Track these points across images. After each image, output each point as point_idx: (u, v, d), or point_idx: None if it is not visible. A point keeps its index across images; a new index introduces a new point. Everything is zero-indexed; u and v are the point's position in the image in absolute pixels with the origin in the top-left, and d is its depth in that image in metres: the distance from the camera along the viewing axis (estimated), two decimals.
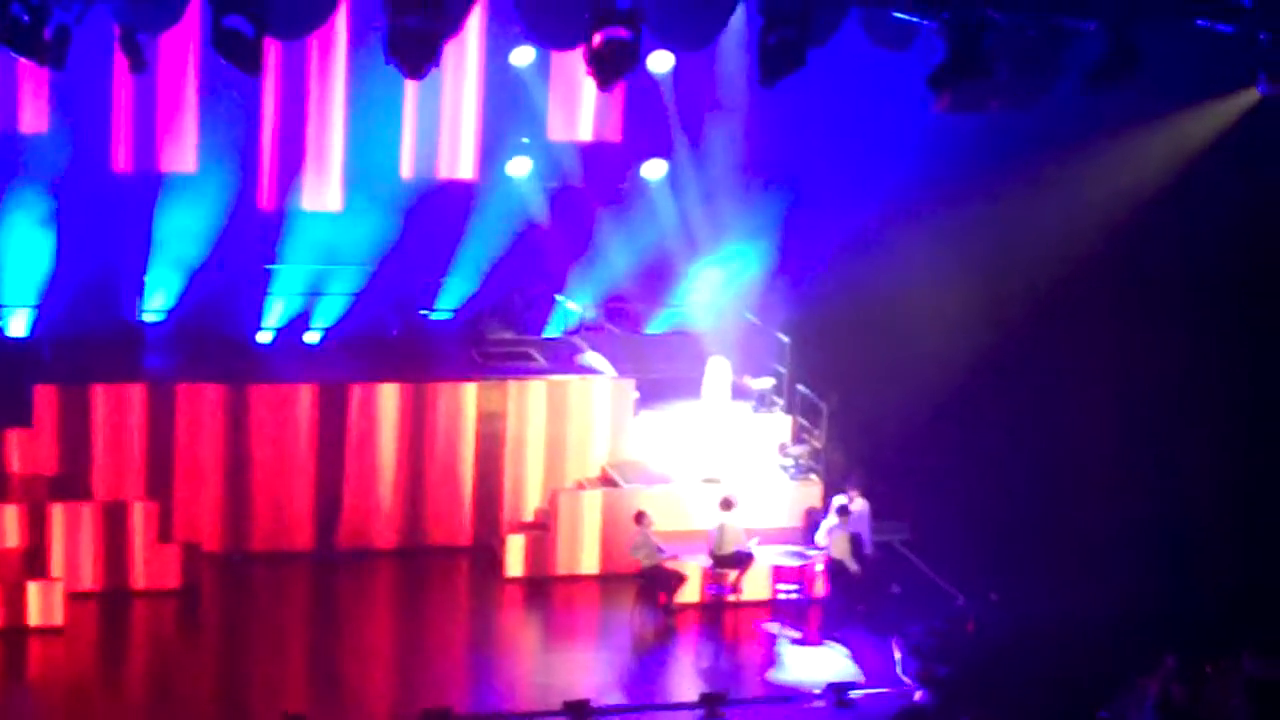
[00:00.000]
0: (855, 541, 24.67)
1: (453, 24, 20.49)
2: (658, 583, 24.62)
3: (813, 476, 26.80)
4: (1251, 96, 21.71)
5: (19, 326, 27.31)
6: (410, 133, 28.46)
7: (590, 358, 27.73)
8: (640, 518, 24.59)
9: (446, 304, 29.28)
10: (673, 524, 25.42)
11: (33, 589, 23.46)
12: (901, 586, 25.25)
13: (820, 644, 24.21)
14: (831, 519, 24.81)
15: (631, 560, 24.83)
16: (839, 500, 25.04)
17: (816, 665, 23.59)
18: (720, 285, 29.21)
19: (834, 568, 24.62)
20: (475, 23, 27.17)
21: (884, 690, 22.76)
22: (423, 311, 29.09)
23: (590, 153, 29.60)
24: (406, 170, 28.62)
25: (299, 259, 28.43)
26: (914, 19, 21.26)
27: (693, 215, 29.52)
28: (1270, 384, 23.20)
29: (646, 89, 28.59)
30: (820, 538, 24.96)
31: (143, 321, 27.61)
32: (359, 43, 26.95)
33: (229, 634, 24.40)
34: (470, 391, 26.42)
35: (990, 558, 24.63)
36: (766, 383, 27.82)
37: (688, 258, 29.47)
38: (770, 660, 23.97)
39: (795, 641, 24.35)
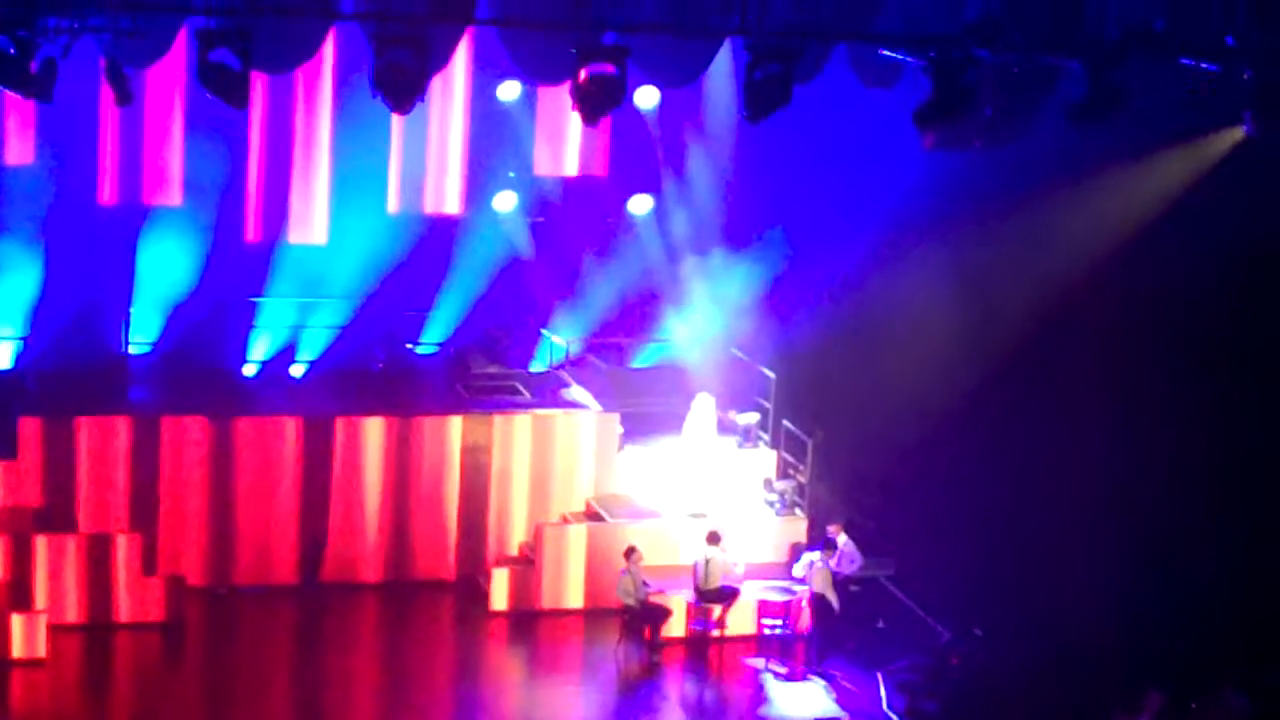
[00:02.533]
0: (835, 577, 24.67)
1: (439, 59, 20.57)
2: (643, 617, 24.59)
3: (798, 512, 26.80)
4: (1236, 135, 21.78)
5: (4, 358, 27.27)
6: (396, 167, 28.51)
7: (575, 392, 27.74)
8: (630, 553, 24.57)
9: (432, 338, 29.29)
10: (658, 559, 25.39)
11: (16, 621, 23.41)
12: (886, 621, 25.25)
13: (806, 679, 24.18)
14: (813, 553, 24.80)
15: (617, 597, 24.81)
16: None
17: (802, 700, 23.59)
18: (705, 320, 29.22)
19: (816, 602, 24.60)
20: (461, 57, 27.26)
21: None
22: (408, 345, 29.09)
23: (576, 187, 29.67)
24: (392, 204, 28.66)
25: (284, 292, 28.44)
26: (900, 57, 21.35)
27: (678, 250, 29.58)
28: (1258, 418, 23.23)
29: (632, 124, 28.69)
30: (798, 570, 24.92)
31: (128, 354, 27.55)
32: (345, 77, 27.01)
33: (213, 668, 24.36)
34: (455, 425, 26.41)
35: (975, 593, 24.61)
36: (752, 418, 27.83)
37: (673, 293, 29.51)
38: (756, 696, 23.96)
39: (781, 677, 24.33)
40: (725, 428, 27.52)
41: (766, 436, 27.77)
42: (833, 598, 24.40)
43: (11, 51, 18.63)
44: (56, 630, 23.82)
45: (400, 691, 23.55)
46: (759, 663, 24.66)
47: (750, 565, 25.41)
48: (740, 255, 29.15)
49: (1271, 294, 22.97)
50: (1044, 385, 25.59)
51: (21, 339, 27.25)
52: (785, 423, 27.53)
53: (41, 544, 24.27)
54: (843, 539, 25.04)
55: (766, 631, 24.96)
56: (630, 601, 24.47)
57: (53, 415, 25.18)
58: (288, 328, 28.45)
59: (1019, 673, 22.81)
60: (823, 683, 23.99)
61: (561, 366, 29.05)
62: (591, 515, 26.50)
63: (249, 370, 28.18)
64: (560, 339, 29.45)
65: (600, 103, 19.85)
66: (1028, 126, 21.40)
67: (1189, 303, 23.46)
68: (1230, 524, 23.30)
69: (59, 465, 25.08)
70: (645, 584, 24.61)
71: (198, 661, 24.54)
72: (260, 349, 28.31)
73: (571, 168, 29.42)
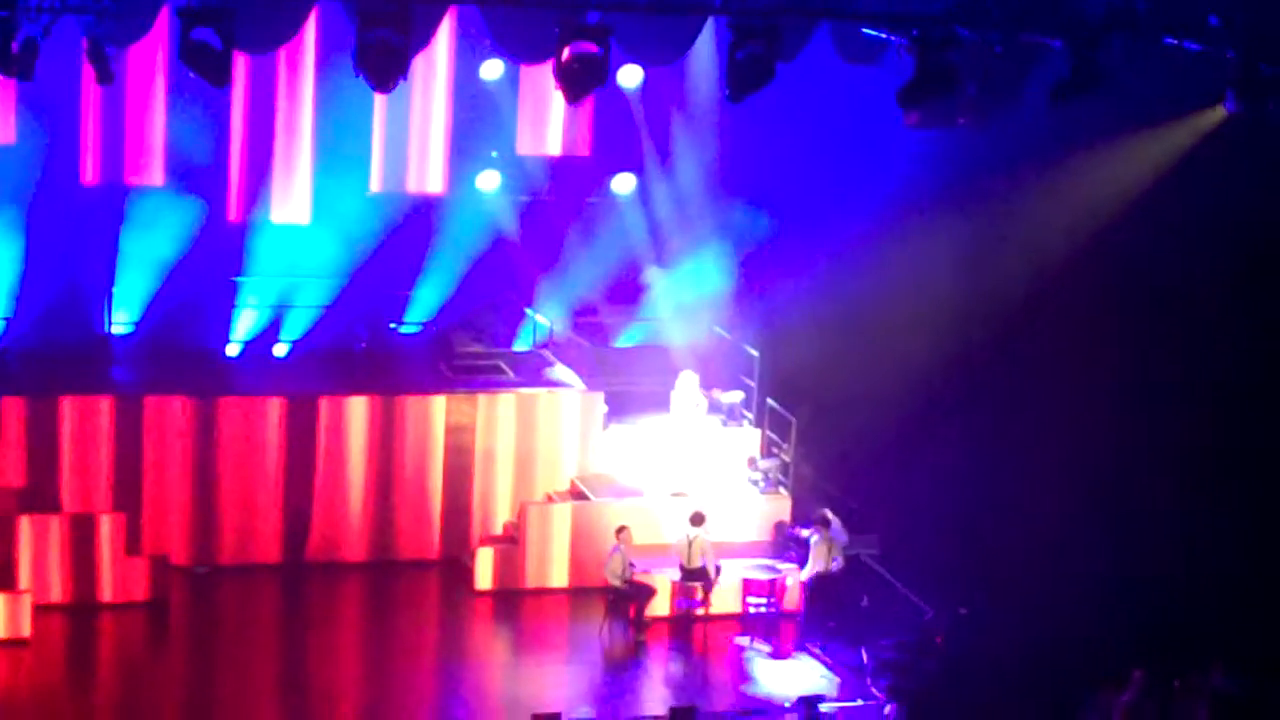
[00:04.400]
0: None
1: (422, 37, 20.49)
2: (627, 596, 24.61)
3: (782, 490, 26.83)
4: (1219, 114, 21.81)
5: None
6: (379, 146, 28.43)
7: (559, 371, 27.73)
8: (621, 531, 24.56)
9: (415, 317, 29.25)
10: (642, 538, 25.38)
11: (0, 601, 23.36)
12: (870, 600, 25.24)
13: (790, 657, 24.21)
14: (804, 530, 24.80)
15: (602, 575, 24.82)
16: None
17: (787, 679, 23.62)
18: (689, 298, 29.23)
19: (817, 580, 24.57)
20: (444, 36, 27.18)
21: (854, 703, 22.78)
22: (391, 324, 29.06)
23: (559, 166, 29.62)
24: (375, 183, 28.59)
25: (267, 271, 28.39)
26: (882, 35, 21.32)
27: (662, 229, 29.57)
28: (1238, 399, 23.27)
29: (615, 103, 28.65)
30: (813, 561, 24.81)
31: (110, 334, 27.55)
32: (328, 56, 26.91)
33: (197, 647, 24.36)
34: (439, 404, 26.41)
35: (959, 571, 24.66)
36: (736, 396, 27.84)
37: (657, 271, 29.50)
38: (740, 674, 23.99)
39: (765, 655, 24.35)
40: (709, 406, 27.52)
41: (750, 415, 27.79)
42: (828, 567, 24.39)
43: None
44: (41, 610, 23.82)
45: (385, 671, 23.56)
46: (744, 641, 24.70)
47: (733, 545, 25.45)
48: (723, 233, 29.16)
49: (1255, 272, 23.00)
50: (1030, 363, 25.61)
51: (4, 319, 27.18)
52: (769, 401, 27.55)
53: (25, 524, 24.25)
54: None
55: (751, 610, 24.99)
56: (617, 582, 24.48)
57: (36, 395, 25.16)
58: (270, 307, 28.41)
59: (1003, 651, 22.84)
60: (807, 660, 24.01)
61: (545, 345, 29.04)
62: (576, 494, 26.51)
63: (232, 350, 28.15)
64: (544, 318, 29.44)
65: (583, 82, 19.78)
66: (1010, 105, 21.41)
67: (1173, 282, 23.49)
68: (1216, 504, 23.34)
69: (42, 445, 25.05)
70: (631, 563, 24.63)
71: (182, 641, 24.54)
72: (243, 328, 28.27)
73: (555, 147, 29.35)
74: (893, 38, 21.01)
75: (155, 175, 27.54)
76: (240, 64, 25.83)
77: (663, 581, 24.98)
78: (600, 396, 27.10)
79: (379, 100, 27.23)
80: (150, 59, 26.68)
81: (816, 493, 26.52)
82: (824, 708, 22.34)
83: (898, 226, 26.85)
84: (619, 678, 24.06)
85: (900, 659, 23.09)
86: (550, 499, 26.48)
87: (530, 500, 26.28)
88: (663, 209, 29.61)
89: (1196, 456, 23.44)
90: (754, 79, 19.96)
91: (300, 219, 28.27)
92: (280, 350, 28.35)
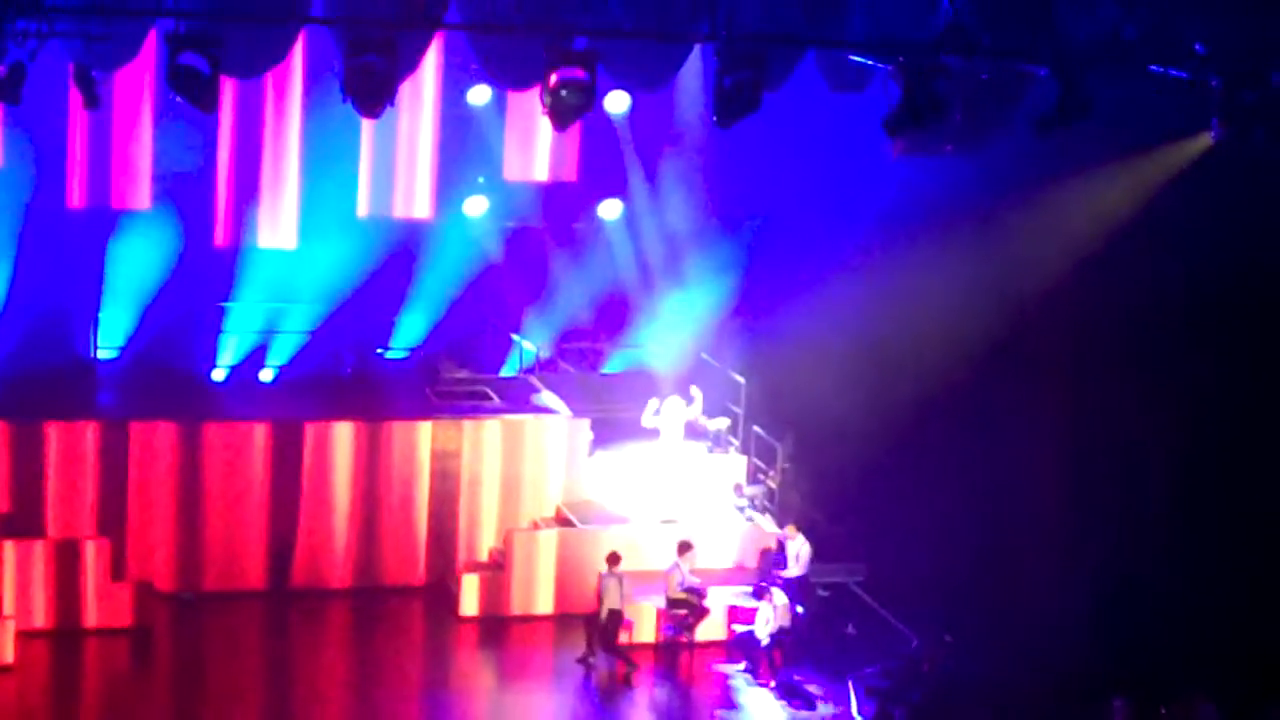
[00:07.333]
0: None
1: (409, 63, 20.53)
2: (611, 623, 24.47)
3: (768, 517, 26.79)
4: (1204, 141, 21.87)
5: None
6: (366, 171, 28.50)
7: (546, 397, 27.71)
8: (686, 550, 24.55)
9: (402, 343, 29.27)
10: (627, 565, 25.26)
11: None
12: (856, 627, 25.25)
13: (775, 684, 24.15)
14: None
15: (586, 600, 24.75)
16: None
17: (772, 706, 23.57)
18: (676, 325, 29.23)
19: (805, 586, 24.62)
20: (431, 62, 27.24)
21: None
22: (378, 350, 29.05)
23: (547, 192, 29.69)
24: (362, 209, 28.64)
25: (254, 297, 28.38)
26: (869, 63, 21.37)
27: (649, 255, 29.59)
28: (1223, 426, 23.31)
29: (603, 129, 28.69)
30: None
31: (96, 358, 27.50)
32: (315, 81, 27.00)
33: (181, 673, 24.29)
34: (425, 430, 26.37)
35: (945, 599, 24.64)
36: (722, 423, 27.82)
37: (644, 298, 29.51)
38: (725, 701, 23.94)
39: (751, 682, 24.31)
40: (694, 432, 27.51)
41: (736, 442, 27.77)
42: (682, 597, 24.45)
43: None
44: (24, 636, 23.72)
45: (369, 697, 23.49)
46: (729, 668, 24.64)
47: (720, 571, 25.42)
48: (710, 259, 29.17)
49: (1238, 297, 23.05)
50: (1017, 389, 25.62)
51: None
52: (755, 428, 27.54)
53: (9, 549, 24.17)
54: (799, 540, 25.04)
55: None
56: (679, 593, 24.37)
57: (21, 420, 25.08)
58: (257, 332, 28.41)
59: (989, 678, 22.83)
60: (794, 685, 23.99)
61: (531, 371, 29.03)
62: (562, 521, 26.46)
63: (218, 375, 28.13)
64: (530, 344, 29.43)
65: (571, 108, 19.84)
66: (997, 133, 21.45)
67: (1157, 308, 23.53)
68: (1201, 532, 23.37)
69: (27, 470, 24.97)
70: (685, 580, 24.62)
71: (166, 667, 24.46)
72: (229, 354, 28.25)
73: (542, 173, 29.43)
74: (879, 65, 21.06)
75: (142, 199, 27.58)
76: (228, 89, 25.85)
77: (649, 609, 24.91)
78: (586, 423, 27.07)
79: (366, 126, 27.25)
80: (137, 83, 26.71)
81: (801, 518, 26.47)
82: None
83: (884, 253, 26.88)
84: (604, 705, 23.98)
85: (886, 687, 23.06)
86: (536, 525, 26.43)
87: (516, 527, 26.24)
88: (650, 235, 29.64)
89: (1184, 484, 23.46)
90: (741, 106, 20.01)
91: (287, 244, 28.29)
92: (266, 376, 28.33)
